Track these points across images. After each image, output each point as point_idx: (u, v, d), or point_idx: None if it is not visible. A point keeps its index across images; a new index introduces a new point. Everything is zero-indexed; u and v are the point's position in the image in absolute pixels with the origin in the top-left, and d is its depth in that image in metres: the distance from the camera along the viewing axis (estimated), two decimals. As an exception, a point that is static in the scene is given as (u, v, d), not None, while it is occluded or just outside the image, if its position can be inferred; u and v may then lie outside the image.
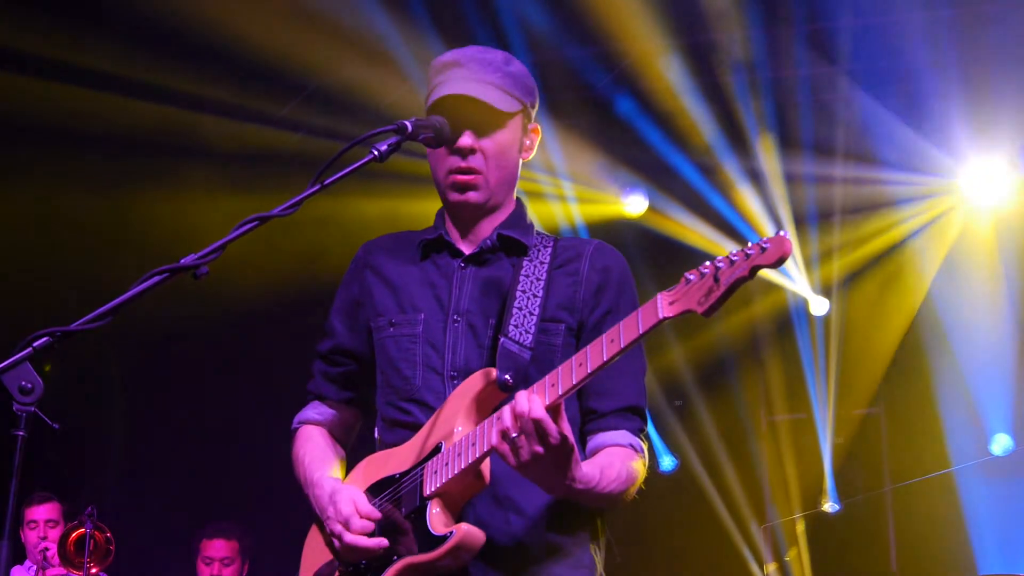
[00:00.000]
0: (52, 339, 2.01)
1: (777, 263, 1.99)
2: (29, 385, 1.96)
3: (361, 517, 2.48)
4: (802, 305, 8.45)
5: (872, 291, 8.38)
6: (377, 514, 2.49)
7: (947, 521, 7.83)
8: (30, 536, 6.63)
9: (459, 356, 2.58)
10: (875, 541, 8.34)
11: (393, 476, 2.56)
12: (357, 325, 2.79)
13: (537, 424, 2.19)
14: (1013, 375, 7.84)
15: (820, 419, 8.34)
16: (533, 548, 2.49)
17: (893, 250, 8.24)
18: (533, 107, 2.73)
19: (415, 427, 2.58)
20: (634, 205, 8.24)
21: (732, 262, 2.04)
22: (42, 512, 6.66)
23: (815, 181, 7.91)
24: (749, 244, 2.04)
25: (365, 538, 2.46)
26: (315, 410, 2.90)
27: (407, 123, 2.50)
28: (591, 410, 2.59)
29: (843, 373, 8.37)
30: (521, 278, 2.60)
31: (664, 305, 2.13)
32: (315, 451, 2.79)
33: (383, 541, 2.45)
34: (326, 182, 2.33)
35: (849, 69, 7.16)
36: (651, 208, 8.22)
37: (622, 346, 2.18)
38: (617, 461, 2.48)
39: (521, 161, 2.73)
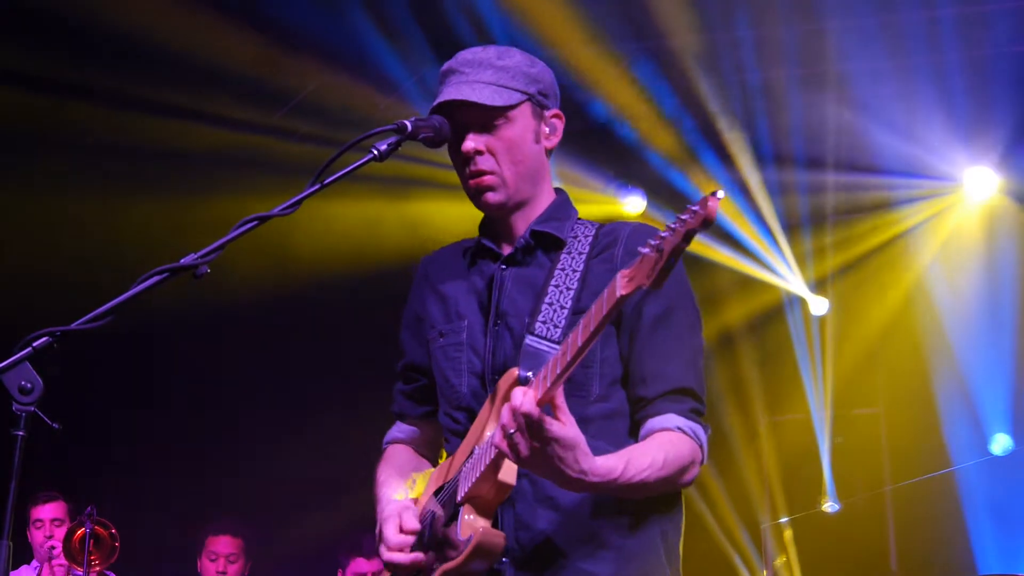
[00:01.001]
0: (52, 339, 2.01)
1: (703, 225, 1.94)
2: (29, 385, 1.96)
3: (401, 532, 2.51)
4: (801, 305, 8.46)
5: (870, 291, 8.39)
6: (416, 527, 2.52)
7: (947, 521, 7.83)
8: (36, 535, 6.64)
9: (499, 359, 2.57)
10: (875, 541, 8.34)
11: (442, 485, 2.59)
12: (420, 339, 2.81)
13: (527, 418, 2.17)
14: (1012, 375, 7.84)
15: (818, 419, 8.34)
16: (571, 545, 2.47)
17: (893, 250, 8.25)
18: (544, 95, 2.67)
19: (465, 435, 2.60)
20: (632, 205, 8.23)
21: (673, 230, 2.00)
22: (48, 511, 6.67)
23: (807, 179, 7.92)
24: (688, 206, 2.00)
25: (399, 554, 2.50)
26: (398, 429, 2.94)
27: (407, 123, 2.48)
28: (639, 398, 2.53)
29: (842, 373, 8.37)
30: (556, 272, 2.57)
31: (622, 284, 2.09)
32: (389, 471, 2.81)
33: (418, 556, 2.48)
34: (326, 181, 2.32)
35: (841, 70, 7.18)
36: (647, 210, 8.23)
37: (592, 329, 2.14)
38: (653, 448, 2.41)
39: (545, 150, 2.68)
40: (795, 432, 8.53)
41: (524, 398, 2.20)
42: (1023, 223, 7.84)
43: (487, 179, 2.60)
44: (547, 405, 2.22)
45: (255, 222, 2.24)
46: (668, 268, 2.01)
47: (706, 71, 7.16)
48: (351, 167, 2.38)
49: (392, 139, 2.45)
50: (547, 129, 2.67)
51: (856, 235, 8.30)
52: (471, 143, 2.58)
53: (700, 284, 8.05)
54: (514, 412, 2.20)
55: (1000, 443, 7.82)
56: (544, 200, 2.70)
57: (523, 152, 2.62)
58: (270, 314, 8.24)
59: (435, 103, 2.62)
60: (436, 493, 2.61)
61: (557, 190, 2.75)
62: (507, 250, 2.69)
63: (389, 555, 2.50)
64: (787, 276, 8.33)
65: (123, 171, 7.48)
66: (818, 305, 8.37)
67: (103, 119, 7.12)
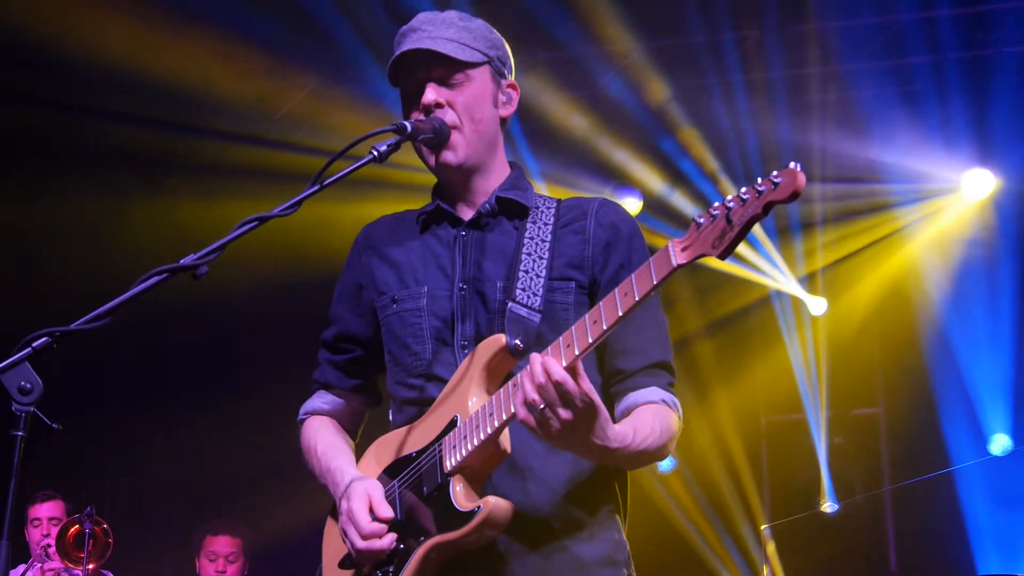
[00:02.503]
0: (51, 339, 2.00)
1: (791, 198, 1.90)
2: (28, 385, 1.96)
3: (373, 519, 2.44)
4: (801, 305, 8.46)
5: (869, 290, 8.38)
6: (391, 514, 2.44)
7: (946, 521, 7.83)
8: (34, 534, 6.64)
9: (468, 325, 2.53)
10: (874, 541, 8.34)
11: (409, 455, 2.51)
12: (361, 309, 2.74)
13: (559, 387, 2.13)
14: (1012, 375, 7.84)
15: (818, 420, 8.33)
16: (553, 521, 2.45)
17: (892, 250, 8.25)
18: (503, 62, 2.66)
19: (428, 403, 2.53)
20: (627, 207, 8.21)
21: (743, 200, 1.96)
22: (46, 510, 6.67)
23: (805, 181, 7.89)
24: (759, 180, 1.96)
25: (377, 541, 2.42)
26: (322, 399, 2.84)
27: (407, 123, 2.48)
28: (617, 370, 2.53)
29: (842, 373, 8.36)
30: (525, 240, 2.55)
31: (676, 252, 2.06)
32: (328, 439, 2.74)
33: (393, 537, 2.42)
34: (325, 182, 2.32)
35: (846, 69, 7.18)
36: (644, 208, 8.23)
37: (636, 299, 2.11)
38: (649, 417, 2.42)
39: (501, 119, 2.67)
40: (793, 433, 8.53)
41: (551, 366, 2.14)
42: (1022, 223, 7.84)
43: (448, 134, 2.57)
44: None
45: (255, 222, 2.23)
46: (739, 240, 1.98)
47: (691, 75, 7.20)
48: (351, 168, 2.37)
49: (391, 140, 2.44)
50: (503, 97, 2.67)
51: (855, 236, 8.30)
52: (432, 94, 2.55)
53: (693, 283, 8.13)
54: (541, 387, 2.15)
55: (999, 443, 7.82)
56: (500, 168, 2.68)
57: (482, 112, 2.60)
58: (270, 313, 8.25)
59: (395, 55, 2.58)
60: (398, 464, 2.53)
61: (511, 163, 2.73)
62: (467, 214, 2.65)
63: (364, 544, 2.42)
64: (784, 277, 8.33)
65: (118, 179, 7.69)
66: (816, 305, 8.37)
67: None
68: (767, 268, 8.26)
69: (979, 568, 7.63)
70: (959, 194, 7.83)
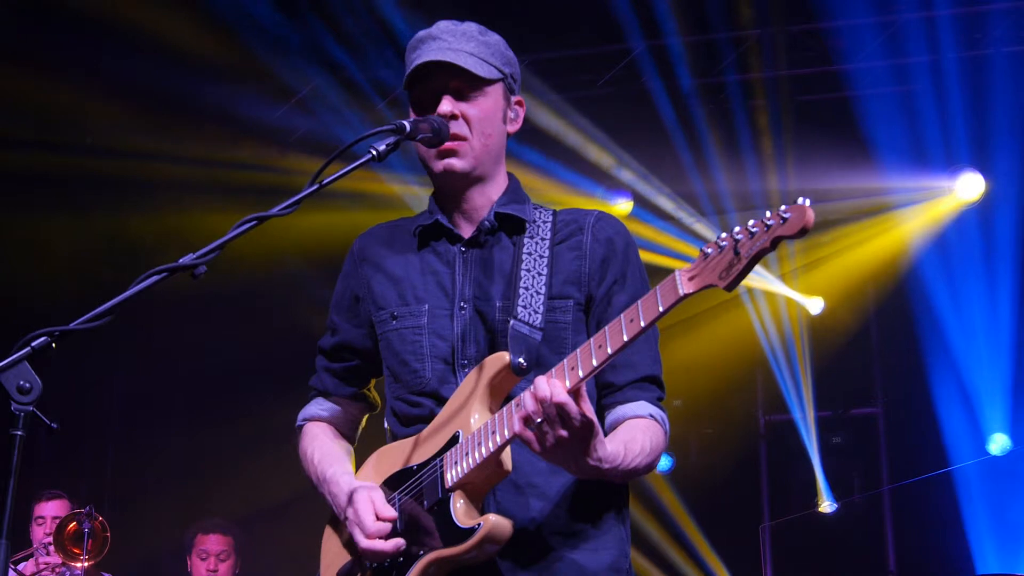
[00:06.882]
0: (51, 339, 2.00)
1: (800, 233, 1.93)
2: (27, 385, 1.95)
3: (378, 519, 2.46)
4: (799, 305, 8.45)
5: (867, 290, 8.38)
6: (394, 514, 2.47)
7: (945, 521, 7.83)
8: (37, 532, 6.66)
9: (469, 345, 2.55)
10: (873, 541, 8.34)
11: (410, 468, 2.53)
12: (358, 320, 2.76)
13: (560, 408, 2.17)
14: (1011, 375, 7.84)
15: (816, 419, 8.33)
16: (557, 535, 2.47)
17: (889, 249, 8.24)
18: (515, 79, 2.70)
19: (430, 420, 2.55)
20: (618, 208, 8.24)
21: (752, 233, 1.98)
22: (51, 508, 6.68)
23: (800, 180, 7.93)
24: (768, 214, 1.97)
25: (382, 542, 2.44)
26: (319, 406, 2.86)
27: (405, 123, 2.47)
28: (608, 383, 2.56)
29: (840, 373, 8.36)
30: (524, 257, 2.57)
31: (684, 281, 2.09)
32: (325, 446, 2.76)
33: (400, 542, 2.44)
34: (324, 182, 2.31)
35: (845, 69, 7.19)
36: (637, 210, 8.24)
37: (642, 325, 2.15)
38: (639, 434, 2.45)
39: (508, 134, 2.70)
40: (791, 433, 8.53)
41: (553, 389, 2.18)
42: (1021, 222, 7.84)
43: (456, 144, 2.58)
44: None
45: (254, 222, 2.22)
46: (747, 272, 2.01)
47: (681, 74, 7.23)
48: (349, 167, 2.37)
49: (390, 139, 2.43)
50: (512, 114, 2.70)
51: (853, 236, 8.30)
52: (448, 106, 2.57)
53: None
54: (542, 402, 2.19)
55: (998, 443, 7.82)
56: (500, 182, 2.70)
57: (493, 127, 2.62)
58: (270, 309, 8.25)
59: (416, 63, 2.59)
60: (399, 477, 2.55)
61: (508, 174, 2.75)
62: (466, 230, 2.66)
63: (368, 543, 2.44)
64: (779, 277, 8.33)
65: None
66: (814, 305, 8.37)
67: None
68: (764, 268, 8.27)
69: (977, 568, 7.63)
70: (955, 194, 7.83)
